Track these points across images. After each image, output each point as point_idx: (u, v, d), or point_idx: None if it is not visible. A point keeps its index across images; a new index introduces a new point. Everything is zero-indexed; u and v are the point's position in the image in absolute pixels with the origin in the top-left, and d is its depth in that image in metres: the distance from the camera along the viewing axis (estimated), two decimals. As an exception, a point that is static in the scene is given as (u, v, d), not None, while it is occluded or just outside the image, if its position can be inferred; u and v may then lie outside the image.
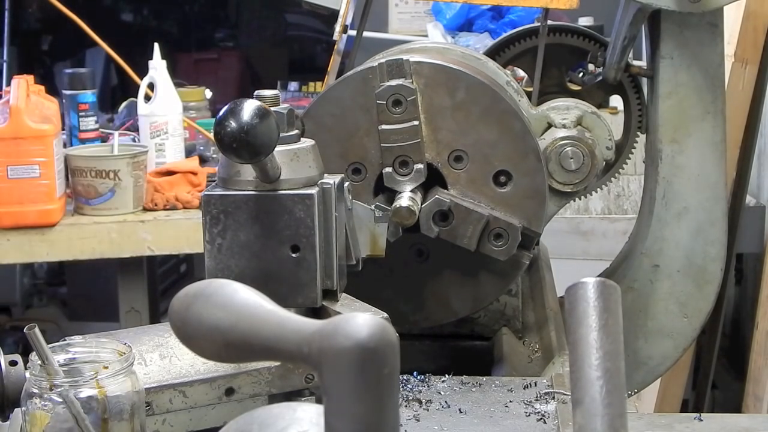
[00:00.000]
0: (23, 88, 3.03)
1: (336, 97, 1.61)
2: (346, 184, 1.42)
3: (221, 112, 1.24)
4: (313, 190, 1.35)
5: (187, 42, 7.22)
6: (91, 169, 3.00)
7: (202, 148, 3.47)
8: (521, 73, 2.29)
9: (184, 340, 0.88)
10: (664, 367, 1.96)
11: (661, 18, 1.83)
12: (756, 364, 3.37)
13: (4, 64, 4.48)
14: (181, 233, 3.06)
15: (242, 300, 0.85)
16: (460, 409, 1.48)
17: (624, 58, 1.95)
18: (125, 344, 1.19)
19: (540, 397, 1.50)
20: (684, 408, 3.47)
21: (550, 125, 1.81)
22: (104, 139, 3.43)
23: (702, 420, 1.51)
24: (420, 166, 1.58)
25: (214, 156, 3.39)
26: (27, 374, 1.16)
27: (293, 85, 4.61)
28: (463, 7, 4.33)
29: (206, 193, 1.37)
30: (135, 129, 3.50)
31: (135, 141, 3.44)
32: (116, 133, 3.38)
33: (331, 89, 1.63)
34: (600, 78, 2.00)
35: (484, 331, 1.81)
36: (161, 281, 4.73)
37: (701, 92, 1.85)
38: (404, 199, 1.54)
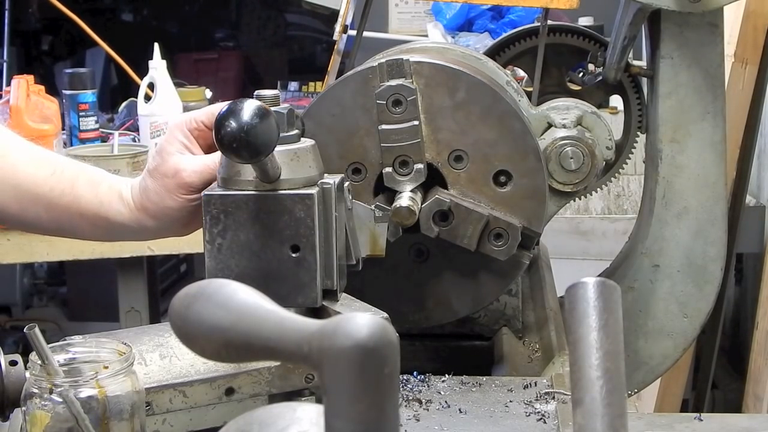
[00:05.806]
0: (23, 88, 3.03)
1: (336, 97, 1.61)
2: (346, 184, 1.42)
3: (221, 112, 1.24)
4: (313, 190, 1.35)
5: (187, 42, 7.24)
6: (91, 169, 2.99)
7: (202, 148, 3.46)
8: (521, 73, 2.29)
9: (184, 340, 0.88)
10: (664, 367, 1.96)
11: (661, 18, 1.83)
12: (756, 364, 3.37)
13: (4, 64, 4.48)
14: (181, 233, 3.05)
15: (242, 300, 0.85)
16: (460, 409, 1.47)
17: (624, 58, 1.94)
18: (125, 344, 1.19)
19: (540, 397, 1.50)
20: (684, 408, 3.47)
21: (550, 125, 1.81)
22: (104, 139, 3.43)
23: (702, 420, 1.50)
24: (420, 166, 1.58)
25: (214, 156, 3.39)
26: (27, 374, 1.16)
27: (293, 85, 4.62)
28: (463, 7, 4.34)
29: (206, 193, 1.37)
30: (135, 129, 3.51)
31: (135, 141, 3.44)
32: (116, 133, 3.38)
33: (331, 89, 1.63)
34: (600, 78, 2.00)
35: (484, 331, 1.81)
36: (161, 281, 4.73)
37: (701, 92, 1.85)
38: (404, 199, 1.54)
